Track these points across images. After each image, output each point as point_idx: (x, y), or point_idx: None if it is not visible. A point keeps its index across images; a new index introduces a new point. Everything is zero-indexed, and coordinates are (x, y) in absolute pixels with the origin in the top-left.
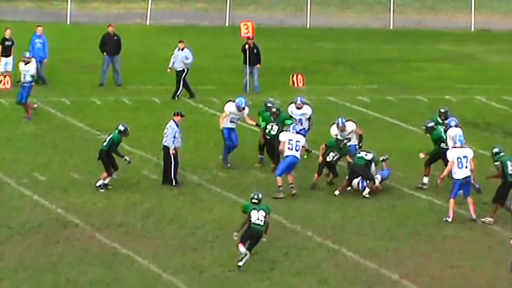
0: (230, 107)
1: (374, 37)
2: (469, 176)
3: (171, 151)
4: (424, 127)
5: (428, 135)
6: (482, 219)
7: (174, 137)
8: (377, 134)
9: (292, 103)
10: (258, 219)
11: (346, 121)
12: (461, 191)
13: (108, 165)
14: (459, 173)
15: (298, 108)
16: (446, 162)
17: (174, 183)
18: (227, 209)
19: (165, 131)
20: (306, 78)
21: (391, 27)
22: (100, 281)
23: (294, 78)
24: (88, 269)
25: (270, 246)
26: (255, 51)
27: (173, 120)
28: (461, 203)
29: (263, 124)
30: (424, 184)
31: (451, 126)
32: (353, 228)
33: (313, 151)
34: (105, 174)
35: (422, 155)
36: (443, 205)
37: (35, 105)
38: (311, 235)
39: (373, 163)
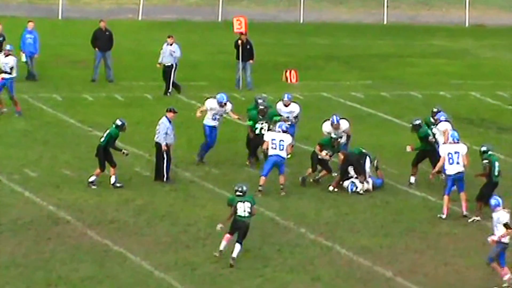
0: (211, 103)
1: (368, 32)
2: (461, 172)
3: (163, 148)
4: (410, 125)
5: (414, 133)
6: (469, 220)
7: (166, 133)
8: (371, 130)
9: (280, 100)
10: (244, 210)
11: (340, 119)
12: (455, 187)
13: (103, 162)
14: (450, 169)
15: (286, 106)
16: (432, 160)
17: (166, 179)
18: (220, 205)
19: (157, 127)
20: (299, 73)
21: (385, 22)
22: (92, 278)
23: (287, 73)
24: (80, 266)
25: (263, 243)
26: (248, 46)
27: (166, 117)
28: (456, 199)
29: (250, 122)
30: (411, 183)
31: (440, 121)
32: (347, 225)
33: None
34: (98, 171)
35: (409, 148)
36: (437, 201)
37: (4, 110)
38: (304, 232)
39: (367, 157)
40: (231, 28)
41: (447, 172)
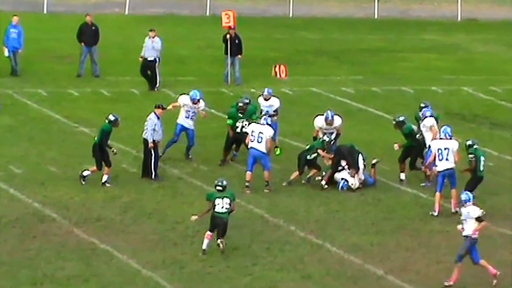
0: (184, 99)
1: (359, 26)
2: (450, 169)
3: (149, 145)
4: (393, 121)
5: (398, 130)
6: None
7: (154, 130)
8: (361, 126)
9: (260, 95)
10: (222, 207)
11: (334, 115)
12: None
13: (100, 161)
14: (440, 165)
15: (266, 100)
16: (416, 157)
17: (154, 177)
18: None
19: (145, 123)
20: (289, 68)
21: (376, 16)
22: (78, 276)
23: (277, 68)
24: (66, 265)
25: (252, 240)
26: (236, 41)
27: (154, 113)
28: (448, 196)
29: (229, 121)
30: (401, 180)
31: (426, 117)
32: (337, 223)
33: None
34: (94, 168)
35: (396, 147)
36: (428, 198)
37: None
38: (294, 230)
39: (360, 154)
40: (219, 22)
41: (437, 169)
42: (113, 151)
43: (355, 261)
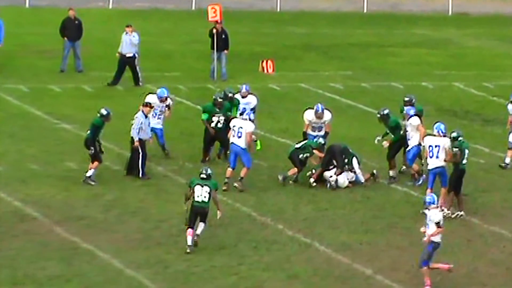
0: (151, 98)
1: (348, 21)
2: (439, 167)
3: (135, 143)
4: (378, 115)
5: (383, 123)
6: (452, 216)
7: (141, 128)
8: (350, 122)
9: (238, 92)
10: (201, 195)
11: (324, 108)
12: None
13: (97, 152)
14: (430, 163)
15: (243, 97)
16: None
17: (141, 175)
18: None
19: (133, 121)
20: (276, 64)
21: (365, 10)
22: (59, 276)
23: (264, 64)
24: (47, 264)
25: (239, 239)
26: (223, 36)
27: (142, 111)
28: (439, 194)
29: (204, 115)
30: (392, 177)
31: (411, 116)
32: (326, 221)
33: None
34: (95, 163)
35: (386, 144)
36: (419, 196)
37: None
38: (282, 228)
39: (355, 157)
40: (205, 17)
41: (427, 167)
42: (91, 149)
43: (344, 261)
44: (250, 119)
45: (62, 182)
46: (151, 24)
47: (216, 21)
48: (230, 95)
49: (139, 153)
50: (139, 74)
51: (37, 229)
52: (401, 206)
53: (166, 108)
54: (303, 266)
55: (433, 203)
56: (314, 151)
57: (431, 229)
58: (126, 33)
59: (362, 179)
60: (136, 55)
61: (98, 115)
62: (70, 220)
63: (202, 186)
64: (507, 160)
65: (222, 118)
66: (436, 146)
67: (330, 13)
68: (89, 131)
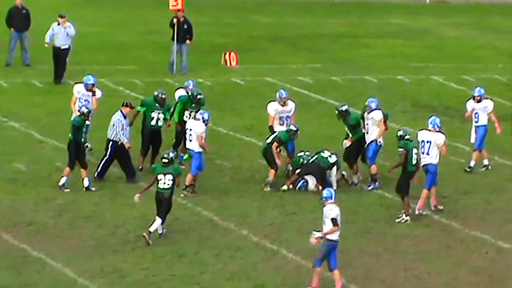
0: (78, 88)
1: (317, 10)
2: (429, 164)
3: (126, 145)
4: (336, 111)
5: (343, 121)
6: (396, 220)
7: (124, 129)
8: (320, 119)
9: (179, 88)
10: (164, 183)
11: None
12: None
13: (73, 159)
14: (422, 159)
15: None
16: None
17: (97, 176)
18: (151, 204)
19: (111, 123)
20: (240, 56)
21: None
22: (7, 287)
23: (227, 56)
24: None
25: (200, 246)
26: (185, 26)
27: (121, 111)
28: (416, 197)
29: (139, 108)
30: (354, 183)
31: (373, 109)
32: (294, 226)
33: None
34: (84, 172)
35: (347, 143)
36: (394, 199)
37: None
38: (247, 234)
39: (335, 166)
40: (165, 6)
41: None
42: (87, 146)
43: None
44: (205, 120)
45: (9, 185)
46: (104, 13)
47: (178, 10)
48: (199, 96)
49: (106, 154)
50: (65, 69)
51: None
52: (374, 209)
53: (93, 98)
54: (270, 274)
55: (330, 198)
56: (274, 144)
57: (327, 226)
58: (59, 24)
59: (335, 185)
60: (69, 47)
61: (78, 113)
62: (19, 226)
63: (165, 174)
64: (472, 164)
65: (161, 115)
66: (427, 142)
67: (298, 1)
68: (70, 134)
